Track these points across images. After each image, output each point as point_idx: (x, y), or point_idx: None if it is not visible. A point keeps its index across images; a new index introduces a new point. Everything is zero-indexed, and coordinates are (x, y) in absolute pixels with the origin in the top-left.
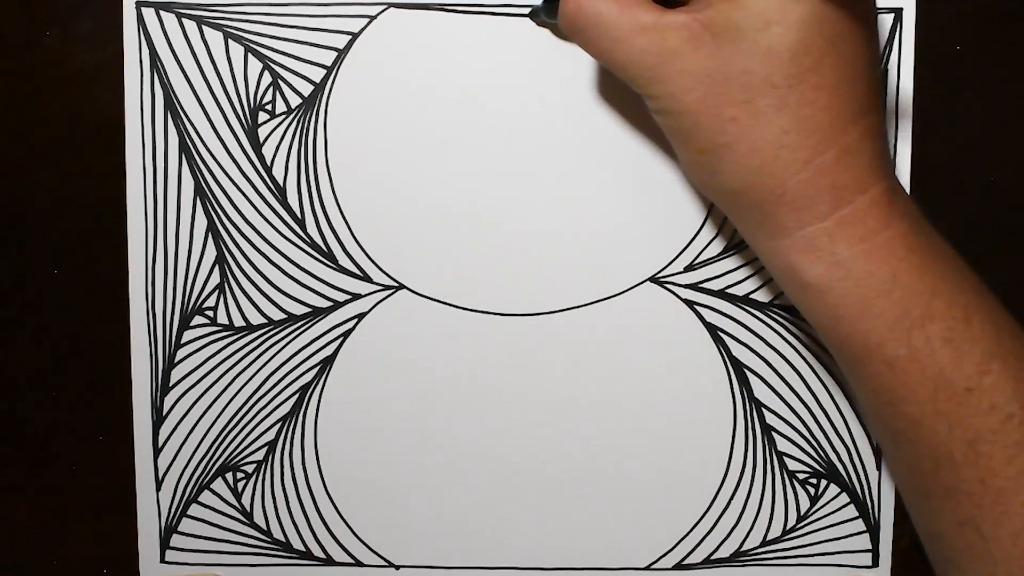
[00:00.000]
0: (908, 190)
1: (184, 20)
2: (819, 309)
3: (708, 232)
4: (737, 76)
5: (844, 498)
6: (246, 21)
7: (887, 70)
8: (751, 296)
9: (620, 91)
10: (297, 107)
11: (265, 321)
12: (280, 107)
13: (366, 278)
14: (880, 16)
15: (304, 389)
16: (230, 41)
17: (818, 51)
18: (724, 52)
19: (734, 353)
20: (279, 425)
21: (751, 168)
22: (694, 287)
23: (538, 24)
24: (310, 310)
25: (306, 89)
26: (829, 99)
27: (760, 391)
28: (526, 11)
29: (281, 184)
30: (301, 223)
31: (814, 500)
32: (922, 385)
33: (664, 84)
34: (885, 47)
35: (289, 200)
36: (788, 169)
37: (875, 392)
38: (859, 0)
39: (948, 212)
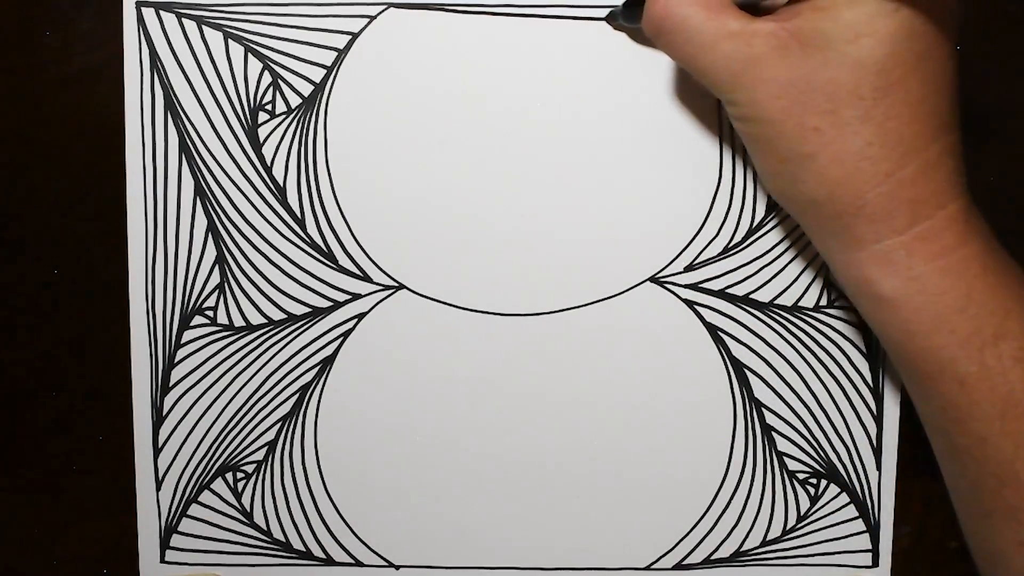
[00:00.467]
0: None
1: (184, 20)
2: (891, 323)
3: (708, 232)
4: (823, 86)
5: (844, 498)
6: (246, 21)
7: None
8: (751, 296)
9: (620, 91)
10: (297, 107)
11: (265, 321)
12: (280, 107)
13: (366, 278)
14: None
15: (304, 389)
16: (230, 41)
17: (906, 65)
18: (811, 62)
19: (734, 353)
20: (279, 425)
21: (832, 179)
22: (694, 287)
23: (614, 28)
24: (310, 310)
25: (306, 89)
26: (913, 113)
27: (760, 391)
28: (527, 11)
29: (281, 184)
30: (301, 223)
31: (814, 500)
32: (991, 403)
33: (748, 91)
34: None
35: (289, 200)
36: (869, 181)
37: (943, 409)
38: (947, 18)
39: None
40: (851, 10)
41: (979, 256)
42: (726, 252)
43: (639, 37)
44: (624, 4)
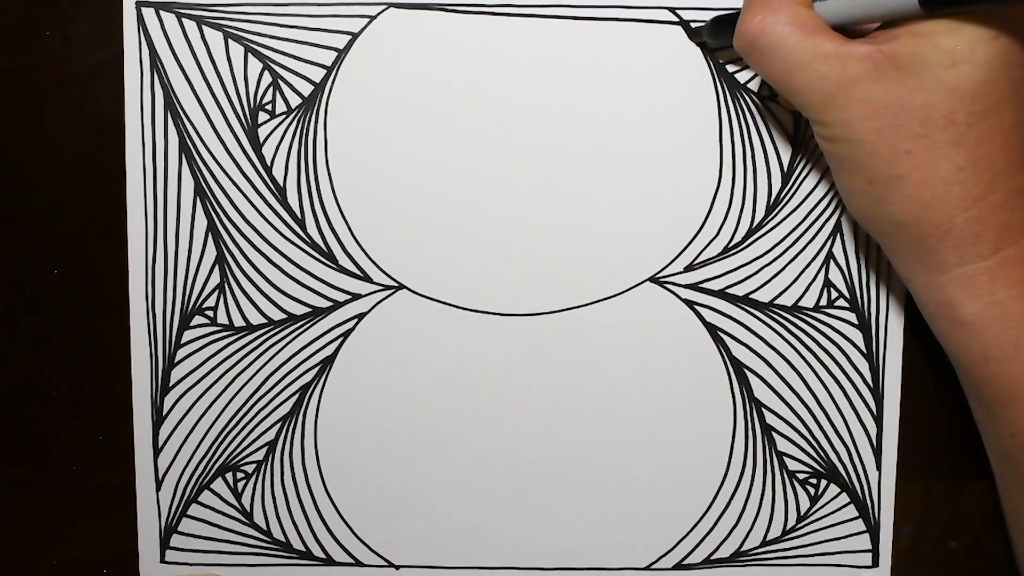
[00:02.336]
0: None
1: (184, 20)
2: (970, 347)
3: (708, 232)
4: (917, 110)
5: (844, 498)
6: (246, 21)
7: None
8: (751, 296)
9: (620, 91)
10: (297, 107)
11: (265, 321)
12: (280, 107)
13: (366, 278)
14: None
15: (304, 389)
16: (230, 41)
17: (1001, 92)
18: (906, 85)
19: (734, 353)
20: (279, 425)
21: (921, 201)
22: (694, 287)
23: (696, 44)
24: (310, 310)
25: (306, 89)
26: (1005, 139)
27: (760, 391)
28: (527, 12)
29: (281, 184)
30: (301, 223)
31: (814, 500)
32: None
33: (841, 112)
34: None
35: (289, 200)
36: (958, 205)
37: (1012, 435)
38: None
39: None
40: (950, 37)
41: None
42: (726, 252)
43: (721, 54)
44: (713, 20)
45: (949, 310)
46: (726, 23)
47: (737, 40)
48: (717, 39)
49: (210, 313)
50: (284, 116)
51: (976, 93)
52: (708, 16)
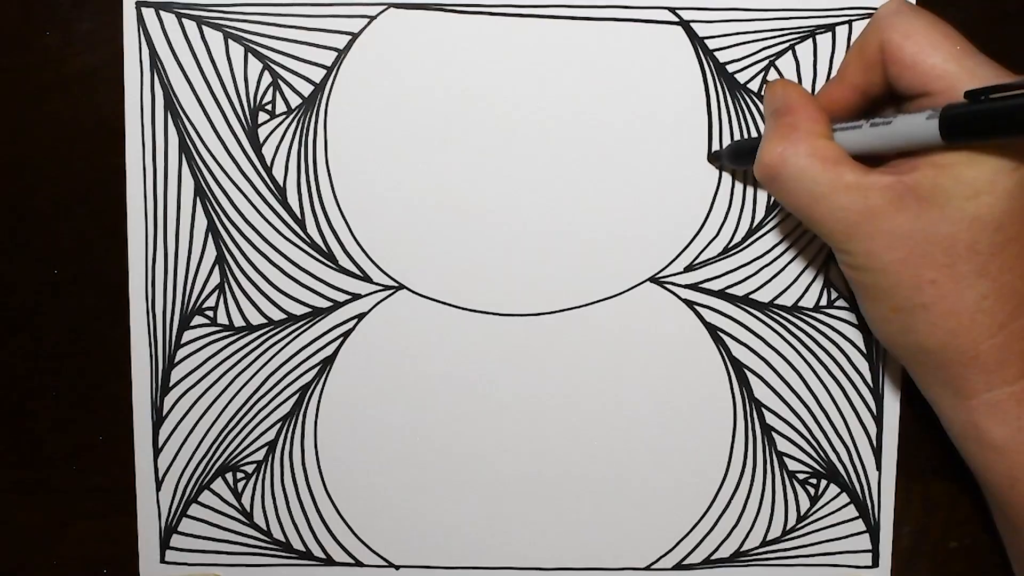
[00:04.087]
0: None
1: (184, 20)
2: (997, 469)
3: (708, 232)
4: (940, 240)
5: (844, 498)
6: (246, 21)
7: None
8: (751, 296)
9: (620, 91)
10: (297, 107)
11: (265, 321)
12: (280, 107)
13: (366, 278)
14: None
15: (304, 389)
16: (230, 41)
17: (1022, 221)
18: (929, 216)
19: (734, 353)
20: (279, 425)
21: (946, 329)
22: (694, 287)
23: (716, 167)
24: (310, 310)
25: (306, 89)
26: None
27: (760, 391)
28: (527, 12)
29: (281, 184)
30: (301, 223)
31: (814, 500)
32: None
33: (864, 243)
34: None
35: (289, 200)
36: (983, 333)
37: None
38: None
39: None
40: (971, 168)
41: None
42: (726, 252)
43: (742, 176)
44: (733, 146)
45: (976, 433)
46: (747, 150)
47: (758, 170)
48: (738, 164)
49: (210, 313)
50: (284, 116)
51: (999, 223)
52: (708, 16)
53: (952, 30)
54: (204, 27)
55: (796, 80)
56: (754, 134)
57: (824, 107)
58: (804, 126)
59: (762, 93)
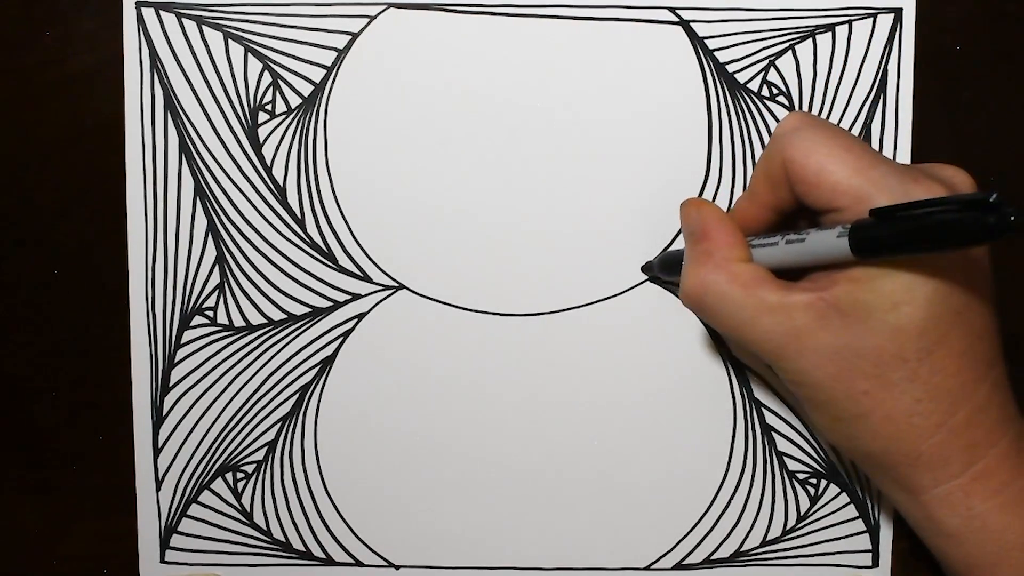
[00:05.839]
0: None
1: (184, 20)
2: (955, 557)
3: None
4: (867, 353)
5: (844, 498)
6: (246, 21)
7: (887, 70)
8: None
9: (620, 91)
10: (297, 107)
11: (265, 321)
12: (280, 107)
13: (366, 278)
14: (880, 16)
15: (304, 389)
16: (230, 41)
17: (945, 324)
18: (853, 330)
19: (734, 353)
20: (279, 425)
21: (886, 435)
22: None
23: (649, 279)
24: (310, 310)
25: (306, 89)
26: (958, 365)
27: (760, 391)
28: (527, 12)
29: (281, 184)
30: (301, 223)
31: (814, 500)
32: None
33: (794, 362)
34: (885, 47)
35: (289, 200)
36: (922, 434)
37: None
38: (979, 268)
39: None
40: (888, 281)
41: None
42: None
43: (675, 289)
44: (662, 258)
45: (930, 524)
46: (674, 262)
47: (682, 298)
48: (667, 275)
49: (210, 313)
50: (284, 116)
51: (921, 330)
52: (708, 16)
53: (854, 140)
54: (204, 27)
55: (797, 77)
56: (754, 134)
57: (740, 224)
58: (720, 252)
59: (762, 93)
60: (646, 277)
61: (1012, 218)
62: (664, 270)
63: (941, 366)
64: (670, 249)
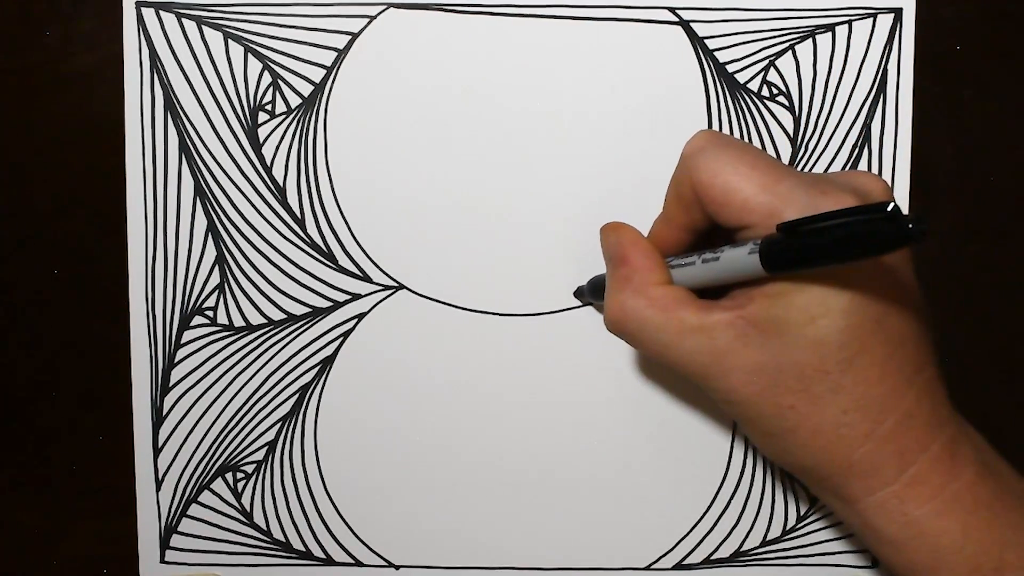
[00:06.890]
0: (908, 190)
1: (184, 20)
2: (897, 563)
3: None
4: (789, 367)
5: None
6: (246, 21)
7: (887, 69)
8: None
9: (620, 91)
10: (297, 107)
11: (265, 321)
12: (280, 107)
13: (366, 278)
14: (880, 16)
15: (304, 389)
16: (230, 41)
17: (865, 332)
18: (773, 346)
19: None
20: (279, 425)
21: (816, 447)
22: None
23: (583, 303)
24: (310, 310)
25: (306, 89)
26: (882, 372)
27: None
28: (527, 12)
29: (281, 184)
30: (301, 223)
31: (814, 500)
32: None
33: (720, 381)
34: (885, 46)
35: (289, 200)
36: (852, 444)
37: None
38: (899, 274)
39: (948, 212)
40: (802, 295)
41: (971, 488)
42: None
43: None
44: (590, 283)
45: (869, 531)
46: (603, 287)
47: (606, 324)
48: (597, 300)
49: (210, 313)
50: (284, 116)
51: (840, 342)
52: (708, 16)
53: (761, 156)
54: (204, 27)
55: (797, 77)
56: (754, 134)
57: (658, 245)
58: (638, 276)
59: (762, 93)
60: (579, 303)
61: (910, 226)
62: (593, 295)
63: (864, 376)
64: (599, 274)
